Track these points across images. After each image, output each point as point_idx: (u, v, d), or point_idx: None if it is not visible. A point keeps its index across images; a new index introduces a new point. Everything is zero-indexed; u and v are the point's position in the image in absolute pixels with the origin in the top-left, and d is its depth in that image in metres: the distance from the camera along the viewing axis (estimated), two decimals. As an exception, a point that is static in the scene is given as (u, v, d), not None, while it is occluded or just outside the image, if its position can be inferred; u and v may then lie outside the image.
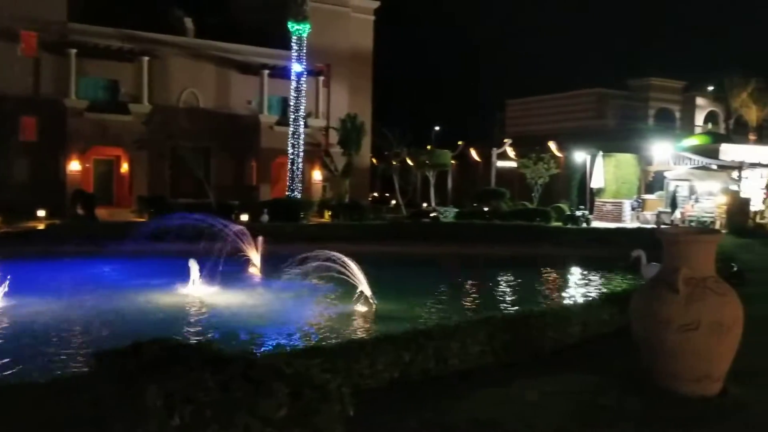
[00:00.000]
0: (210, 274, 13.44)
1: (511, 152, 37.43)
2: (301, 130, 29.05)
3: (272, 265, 14.89)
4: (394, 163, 36.47)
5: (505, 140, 39.12)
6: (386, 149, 36.67)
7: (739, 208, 25.06)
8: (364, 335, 9.45)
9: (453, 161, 39.05)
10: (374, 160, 40.74)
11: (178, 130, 29.80)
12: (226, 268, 14.00)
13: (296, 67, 28.70)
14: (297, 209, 26.01)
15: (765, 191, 29.94)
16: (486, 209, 29.08)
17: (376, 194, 42.55)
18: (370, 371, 5.71)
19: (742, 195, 26.53)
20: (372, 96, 39.46)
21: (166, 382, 3.24)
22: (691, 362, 5.28)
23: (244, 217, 24.71)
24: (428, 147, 39.21)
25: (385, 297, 12.01)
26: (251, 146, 33.28)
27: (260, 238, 16.29)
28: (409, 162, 37.05)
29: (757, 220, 25.84)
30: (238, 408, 3.21)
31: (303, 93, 29.11)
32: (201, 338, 9.30)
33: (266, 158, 32.95)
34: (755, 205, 27.52)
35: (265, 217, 24.40)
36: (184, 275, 13.36)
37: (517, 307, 12.06)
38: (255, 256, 16.11)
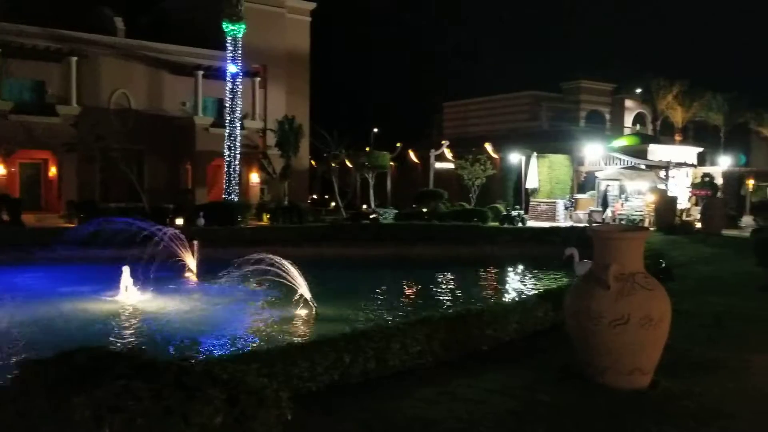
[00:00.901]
0: (143, 280, 13.06)
1: (448, 154, 37.86)
2: (238, 131, 28.58)
3: (209, 269, 14.60)
4: (333, 165, 36.33)
5: (443, 142, 39.53)
6: (325, 151, 36.47)
7: (666, 206, 26.04)
8: (304, 338, 9.36)
9: (392, 163, 39.21)
10: (313, 162, 40.50)
11: (109, 133, 28.81)
12: (161, 273, 13.64)
13: (231, 68, 28.23)
14: (234, 212, 25.57)
15: (691, 190, 31.32)
16: (425, 210, 29.30)
17: (315, 196, 42.30)
18: (310, 374, 5.66)
19: (670, 193, 27.61)
20: (310, 97, 39.24)
21: (94, 391, 3.12)
22: (622, 356, 5.44)
23: (179, 221, 24.15)
24: (367, 149, 39.22)
25: (325, 299, 11.94)
26: (186, 148, 32.55)
27: (196, 242, 15.95)
28: (348, 164, 37.00)
29: (684, 217, 26.91)
30: (172, 416, 3.11)
31: (239, 94, 28.66)
32: (132, 346, 9.00)
33: (202, 161, 32.29)
34: (682, 203, 28.72)
35: (201, 221, 23.91)
36: (116, 282, 12.94)
37: (456, 307, 12.21)
38: (191, 260, 15.76)
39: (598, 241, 5.72)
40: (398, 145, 41.71)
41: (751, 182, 40.88)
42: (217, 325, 11.16)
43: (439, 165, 37.51)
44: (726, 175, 37.26)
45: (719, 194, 29.31)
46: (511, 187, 35.09)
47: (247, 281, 12.96)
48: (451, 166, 36.58)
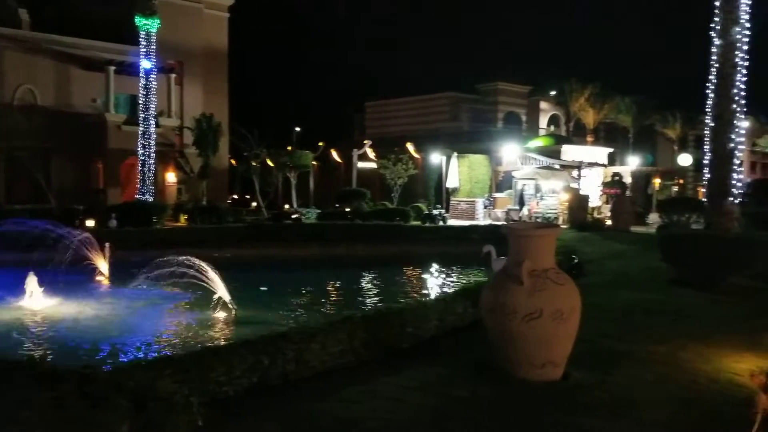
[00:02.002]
0: (51, 285, 12.42)
1: (371, 153, 38.01)
2: (152, 129, 27.65)
3: (122, 272, 14.04)
4: (254, 164, 35.78)
5: (366, 141, 39.65)
6: (245, 150, 35.88)
7: (579, 204, 27.02)
8: (221, 342, 9.14)
9: (314, 162, 39.00)
10: (233, 161, 39.75)
11: (14, 130, 27.35)
12: (70, 277, 13.00)
13: (145, 64, 27.27)
14: (149, 213, 24.71)
15: (601, 188, 32.66)
16: (347, 210, 29.30)
17: (235, 196, 41.53)
18: (227, 378, 5.52)
19: (582, 192, 28.68)
20: (230, 95, 38.48)
21: (-14, 404, 2.93)
22: (535, 349, 5.60)
23: (90, 223, 23.11)
24: (289, 148, 38.85)
25: (245, 301, 11.70)
26: (97, 147, 31.25)
27: (107, 245, 15.31)
28: (270, 163, 36.53)
29: (595, 215, 28.02)
30: (73, 425, 2.97)
31: (153, 91, 27.71)
32: (34, 355, 8.52)
33: (114, 159, 31.09)
34: (593, 202, 29.90)
35: (114, 222, 22.97)
36: (20, 287, 12.24)
37: (377, 306, 12.25)
38: (102, 263, 15.12)
39: (512, 239, 5.86)
40: (321, 144, 41.54)
41: (657, 181, 43.09)
42: (131, 330, 10.73)
43: (361, 164, 37.62)
44: (634, 175, 39.08)
45: (628, 193, 30.66)
46: (433, 186, 35.59)
47: (162, 284, 12.54)
48: (373, 165, 36.75)
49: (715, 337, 7.72)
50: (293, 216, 28.26)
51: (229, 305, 11.33)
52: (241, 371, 5.65)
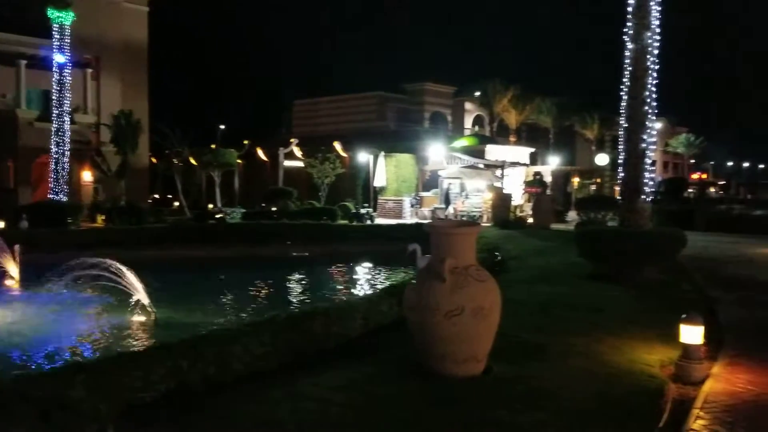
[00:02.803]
0: (-46, 290, 11.68)
1: (298, 152, 37.67)
2: (67, 126, 26.40)
3: (34, 276, 13.35)
4: (176, 162, 34.82)
5: (292, 140, 39.27)
6: (167, 148, 34.88)
7: (502, 202, 27.68)
8: (139, 346, 8.83)
9: (239, 161, 38.33)
10: (154, 160, 38.56)
11: None
12: (-25, 282, 12.28)
13: (59, 58, 26.02)
14: (63, 213, 23.63)
15: (524, 187, 33.54)
16: (274, 209, 28.94)
17: (156, 196, 40.28)
18: (143, 384, 5.33)
19: (505, 191, 29.38)
20: (150, 92, 37.30)
21: None
22: (457, 345, 5.68)
23: (-1, 224, 21.94)
24: (213, 146, 38.01)
25: (166, 304, 11.35)
26: (7, 144, 29.70)
27: (17, 247, 14.54)
28: (193, 162, 35.63)
29: (518, 213, 28.77)
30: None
31: (67, 86, 26.46)
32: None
33: (26, 157, 29.61)
34: (516, 200, 30.68)
35: (25, 223, 21.83)
36: None
37: (303, 306, 12.13)
38: (12, 266, 14.34)
39: (434, 237, 5.92)
40: (246, 142, 40.81)
41: (576, 180, 44.65)
42: (42, 336, 10.20)
43: (288, 163, 37.23)
44: (554, 174, 40.36)
45: (548, 191, 31.60)
46: (360, 185, 35.63)
47: (77, 288, 12.01)
48: (300, 164, 36.43)
49: (628, 330, 8.05)
50: (217, 216, 27.67)
51: (149, 308, 10.96)
52: (159, 376, 5.47)
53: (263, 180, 38.57)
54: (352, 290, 15.16)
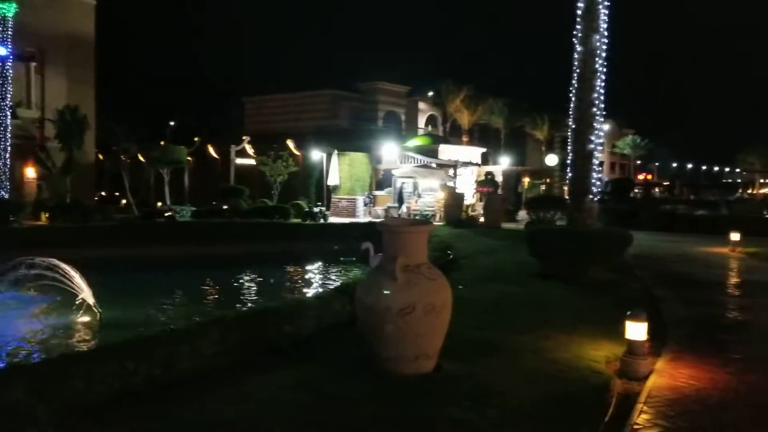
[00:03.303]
0: None
1: (250, 150, 37.23)
2: (8, 121, 25.48)
3: (-28, 276, 12.85)
4: (124, 159, 33.99)
5: (244, 137, 38.77)
6: (115, 145, 34.01)
7: (454, 202, 27.93)
8: (83, 347, 8.59)
9: (190, 158, 37.67)
10: (101, 157, 37.54)
11: None
12: None
13: (0, 51, 25.14)
14: (5, 211, 22.84)
15: (476, 187, 33.91)
16: (225, 207, 28.53)
17: (103, 193, 39.21)
18: (87, 386, 5.18)
19: (457, 190, 29.65)
20: (98, 87, 36.25)
21: None
22: (408, 343, 5.70)
23: (-64, 222, 21.04)
24: (162, 143, 37.23)
25: (112, 304, 11.08)
26: (-56, 139, 28.43)
27: (-46, 246, 13.98)
28: (141, 158, 34.85)
29: (469, 212, 29.08)
30: None
31: (9, 80, 25.54)
32: None
33: (-35, 153, 28.40)
34: (468, 200, 31.00)
35: (-36, 222, 21.05)
36: None
37: (254, 305, 12.00)
38: (-51, 266, 13.76)
39: (386, 235, 5.93)
40: (196, 139, 40.11)
41: (526, 180, 45.40)
42: (-19, 338, 9.84)
43: (240, 161, 36.76)
44: (505, 174, 40.93)
45: (499, 191, 32.03)
46: (314, 184, 35.44)
47: (20, 288, 11.62)
48: (252, 162, 36.02)
49: (575, 327, 8.21)
50: (166, 214, 27.13)
51: (94, 308, 10.68)
52: (103, 378, 5.33)
53: (214, 178, 37.96)
54: (305, 289, 15.08)
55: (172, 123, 47.14)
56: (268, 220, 24.60)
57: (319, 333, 7.69)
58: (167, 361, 5.81)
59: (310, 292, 14.15)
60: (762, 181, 63.66)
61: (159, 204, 32.87)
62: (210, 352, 6.23)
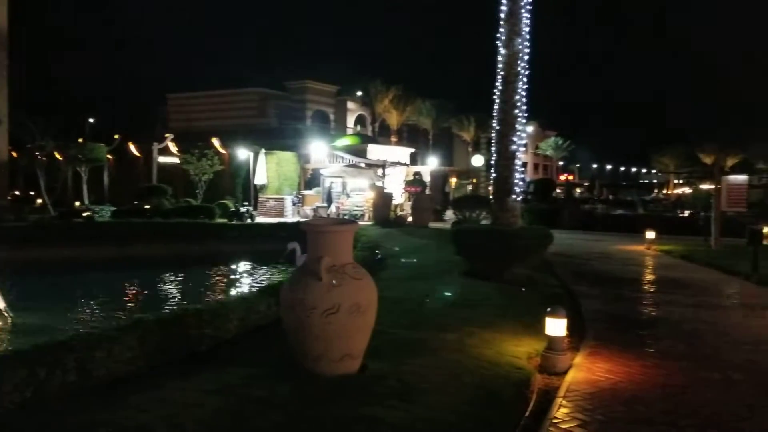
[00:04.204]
0: None
1: (173, 148, 36.24)
2: None
3: None
4: (39, 156, 32.45)
5: (167, 135, 37.69)
6: (29, 142, 32.42)
7: (383, 201, 28.05)
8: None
9: (109, 156, 36.34)
10: (14, 154, 35.70)
11: None
12: None
13: None
14: None
15: (404, 187, 34.18)
16: (147, 207, 27.66)
17: (17, 192, 37.34)
18: (-7, 395, 4.90)
19: (386, 190, 29.80)
20: (12, 82, 34.43)
21: None
22: (333, 344, 5.66)
23: None
24: (80, 140, 35.76)
25: (24, 309, 10.55)
26: None
27: None
28: (58, 156, 33.35)
29: (398, 212, 29.28)
30: None
31: None
32: None
33: None
34: (396, 199, 31.21)
35: None
36: None
37: (176, 307, 11.66)
38: None
39: (311, 235, 5.87)
40: (116, 137, 38.73)
41: (453, 180, 46.12)
42: None
43: (162, 159, 35.71)
44: (433, 174, 41.43)
45: (427, 191, 32.41)
46: (240, 183, 34.85)
47: None
48: (176, 160, 35.08)
49: (498, 324, 8.38)
50: (84, 214, 26.06)
51: (4, 312, 10.13)
52: (12, 386, 5.06)
53: (135, 177, 36.75)
54: (230, 290, 14.80)
55: (91, 120, 45.35)
56: (192, 220, 23.99)
57: (244, 335, 7.56)
58: (82, 368, 5.57)
59: (234, 294, 13.89)
60: (676, 181, 66.91)
61: (77, 204, 31.54)
62: (128, 357, 6.02)
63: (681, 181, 63.96)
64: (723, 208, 21.72)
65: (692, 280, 13.95)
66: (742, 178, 24.06)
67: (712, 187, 23.71)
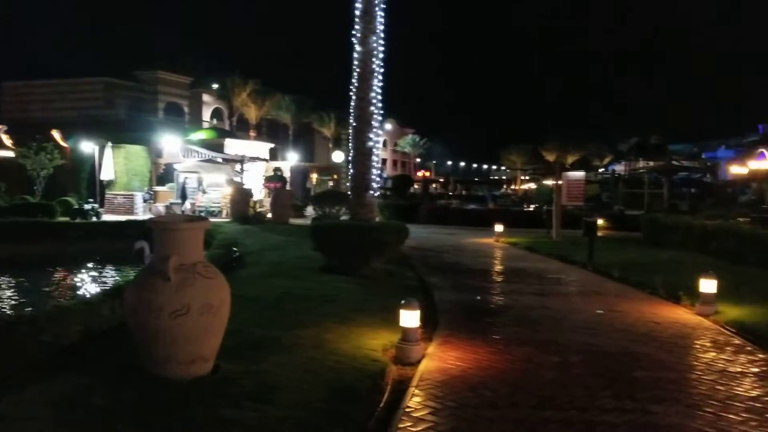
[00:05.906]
0: None
1: (7, 140, 33.14)
2: None
3: None
4: None
5: (0, 126, 34.45)
6: None
7: (241, 197, 27.46)
8: None
9: (-70, 149, 32.60)
10: None
11: None
12: None
13: None
14: None
15: (263, 182, 33.68)
16: (-25, 205, 25.14)
17: None
18: None
19: (245, 186, 29.19)
20: None
21: None
22: (184, 346, 5.43)
23: None
24: None
25: None
26: None
27: None
28: None
29: (257, 208, 28.78)
30: None
31: None
32: None
33: None
34: (255, 195, 30.66)
35: None
36: None
37: (9, 315, 10.69)
38: None
39: (158, 233, 5.60)
40: (-62, 127, 34.80)
41: (314, 176, 46.09)
42: None
43: (-5, 153, 32.56)
44: (293, 170, 41.18)
45: (287, 187, 32.16)
46: (85, 178, 32.58)
47: None
48: (10, 154, 32.12)
49: (355, 318, 8.48)
50: None
51: None
52: None
53: (-37, 172, 33.25)
54: (72, 294, 13.81)
55: None
56: (28, 219, 22.09)
57: (87, 341, 7.07)
58: None
59: (75, 297, 12.97)
60: (523, 177, 71.22)
61: None
62: (-53, 372, 5.43)
63: (527, 177, 68.18)
64: (563, 203, 23.42)
65: (536, 269, 14.92)
66: (580, 174, 26.06)
67: (554, 183, 25.49)
